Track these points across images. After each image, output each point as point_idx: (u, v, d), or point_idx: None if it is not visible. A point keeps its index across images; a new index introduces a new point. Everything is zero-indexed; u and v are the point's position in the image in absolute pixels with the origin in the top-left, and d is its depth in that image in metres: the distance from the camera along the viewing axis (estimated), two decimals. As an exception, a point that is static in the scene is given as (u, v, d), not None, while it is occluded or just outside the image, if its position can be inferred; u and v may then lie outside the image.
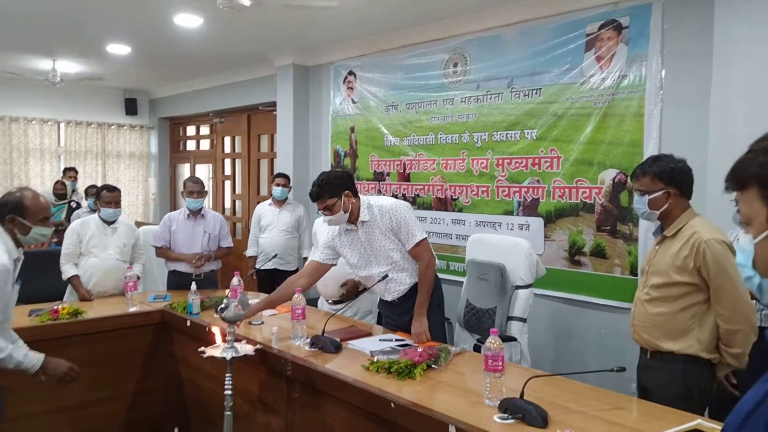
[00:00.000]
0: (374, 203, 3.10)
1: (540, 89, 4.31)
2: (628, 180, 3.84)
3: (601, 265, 4.03)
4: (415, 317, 3.02)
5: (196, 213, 4.44)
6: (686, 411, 2.07)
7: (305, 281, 3.23)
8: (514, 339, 3.38)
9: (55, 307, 3.53)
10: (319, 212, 3.10)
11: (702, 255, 2.29)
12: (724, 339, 2.32)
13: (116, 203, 4.18)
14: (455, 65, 4.90)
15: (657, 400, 2.24)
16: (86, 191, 6.59)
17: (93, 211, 5.67)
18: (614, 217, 3.94)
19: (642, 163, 2.57)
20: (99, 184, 7.86)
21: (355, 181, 5.59)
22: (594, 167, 4.03)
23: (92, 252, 4.11)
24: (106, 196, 4.17)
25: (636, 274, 3.82)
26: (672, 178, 2.42)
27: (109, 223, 4.19)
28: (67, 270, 4.05)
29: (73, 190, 6.96)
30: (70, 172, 7.15)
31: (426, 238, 3.09)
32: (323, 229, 3.64)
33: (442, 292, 3.26)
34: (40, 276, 4.44)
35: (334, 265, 3.27)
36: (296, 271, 4.84)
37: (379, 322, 3.61)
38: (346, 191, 3.02)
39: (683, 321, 2.36)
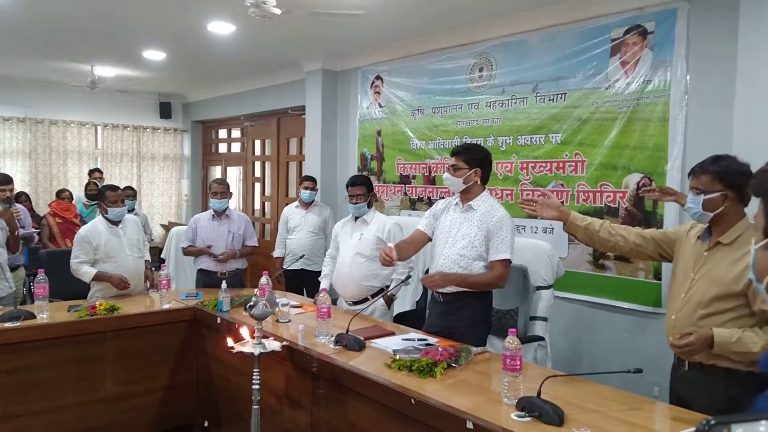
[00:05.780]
0: (494, 203, 3.11)
1: (565, 94, 4.34)
2: (653, 184, 3.85)
3: (625, 269, 4.04)
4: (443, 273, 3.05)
5: (221, 213, 4.59)
6: None
7: (413, 250, 3.33)
8: (542, 339, 3.40)
9: (93, 303, 3.68)
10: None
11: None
12: None
13: (122, 201, 4.11)
14: (481, 70, 4.95)
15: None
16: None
17: (130, 211, 5.75)
18: (638, 222, 3.94)
19: (703, 161, 2.35)
20: (134, 185, 8.12)
21: (381, 184, 5.79)
22: (618, 171, 4.05)
23: (112, 257, 4.03)
24: (111, 196, 4.02)
25: (659, 279, 3.83)
26: (733, 181, 2.23)
27: (116, 223, 4.10)
28: (87, 270, 3.94)
29: None
30: (96, 173, 7.34)
31: (510, 261, 3.05)
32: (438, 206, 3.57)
33: (491, 312, 3.21)
34: (68, 275, 4.45)
35: (430, 239, 3.28)
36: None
37: (416, 324, 3.60)
38: (479, 170, 3.09)
39: None
